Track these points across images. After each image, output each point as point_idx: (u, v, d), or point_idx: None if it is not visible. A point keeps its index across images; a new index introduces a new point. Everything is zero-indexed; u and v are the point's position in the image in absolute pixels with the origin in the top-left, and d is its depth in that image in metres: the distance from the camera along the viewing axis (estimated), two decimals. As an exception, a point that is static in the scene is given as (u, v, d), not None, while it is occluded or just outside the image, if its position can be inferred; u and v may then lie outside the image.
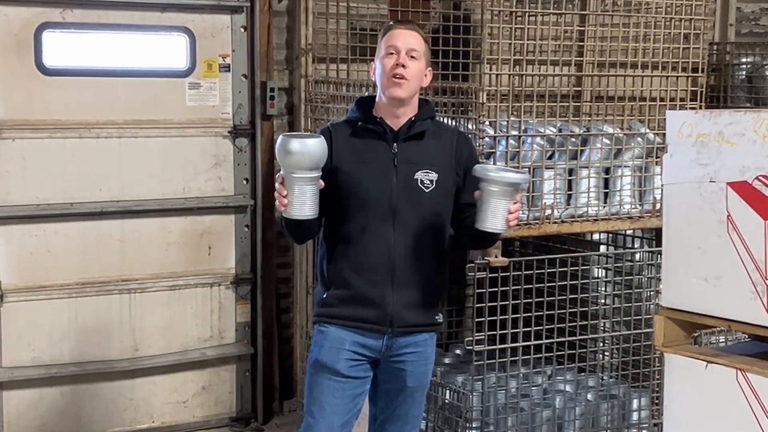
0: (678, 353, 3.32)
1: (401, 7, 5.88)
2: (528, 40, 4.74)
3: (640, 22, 5.13)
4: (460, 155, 3.80)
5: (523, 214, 4.71)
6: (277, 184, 3.54)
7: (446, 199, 3.77)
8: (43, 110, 5.36)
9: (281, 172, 3.52)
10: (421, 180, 3.71)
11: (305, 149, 3.47)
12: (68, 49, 5.42)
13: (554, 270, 4.78)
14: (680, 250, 3.29)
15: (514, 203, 3.55)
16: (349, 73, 5.85)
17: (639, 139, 5.02)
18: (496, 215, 3.51)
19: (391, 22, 3.93)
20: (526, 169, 3.55)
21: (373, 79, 3.80)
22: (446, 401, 4.97)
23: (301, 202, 3.50)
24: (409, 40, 3.71)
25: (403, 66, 3.67)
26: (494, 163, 4.63)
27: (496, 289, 4.62)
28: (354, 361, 3.75)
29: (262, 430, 5.94)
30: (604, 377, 5.28)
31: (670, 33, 5.12)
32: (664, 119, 3.43)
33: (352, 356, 3.74)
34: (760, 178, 3.03)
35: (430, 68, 3.83)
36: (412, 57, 3.69)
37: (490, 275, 4.59)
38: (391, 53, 3.69)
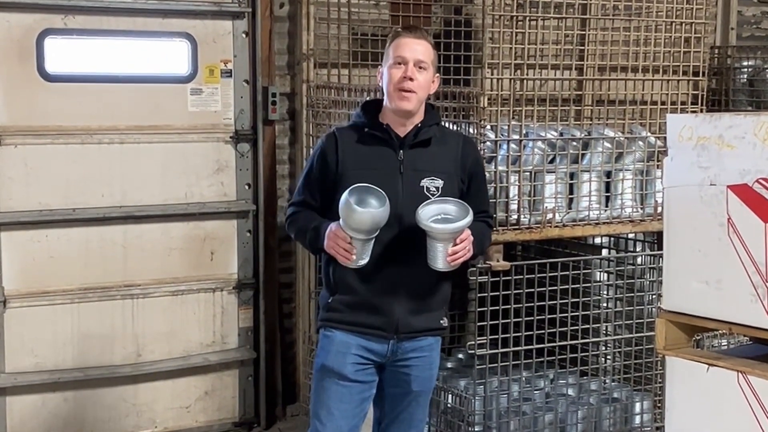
0: (679, 356, 3.32)
1: (402, 13, 5.90)
2: (529, 44, 4.75)
3: (641, 26, 5.14)
4: (465, 161, 3.82)
5: (525, 218, 4.73)
6: (341, 241, 3.59)
7: (451, 206, 3.77)
8: (46, 116, 5.36)
9: (340, 224, 3.58)
10: (426, 187, 3.72)
11: (368, 217, 3.53)
12: (70, 56, 5.43)
13: (556, 274, 4.79)
14: (681, 254, 3.30)
15: (455, 245, 3.61)
16: (350, 78, 5.86)
17: (640, 142, 5.02)
18: (437, 257, 3.63)
19: (399, 29, 3.91)
20: (466, 212, 3.61)
21: (380, 84, 3.81)
22: (449, 405, 4.98)
23: (357, 255, 3.61)
24: (417, 48, 3.71)
25: (411, 79, 3.67)
26: (495, 166, 4.64)
27: (498, 293, 4.63)
28: (360, 365, 3.76)
29: (264, 435, 5.96)
30: (607, 380, 5.28)
31: (671, 37, 5.13)
32: (665, 123, 3.43)
33: (358, 360, 3.76)
34: (761, 181, 3.04)
35: (437, 75, 3.84)
36: (420, 68, 3.70)
37: (492, 279, 4.59)
38: (399, 63, 3.70)
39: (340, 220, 3.58)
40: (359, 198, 3.55)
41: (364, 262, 3.63)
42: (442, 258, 3.62)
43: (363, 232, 3.56)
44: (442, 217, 3.61)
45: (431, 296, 3.78)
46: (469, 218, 3.60)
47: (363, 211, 3.52)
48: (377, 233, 3.60)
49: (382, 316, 3.73)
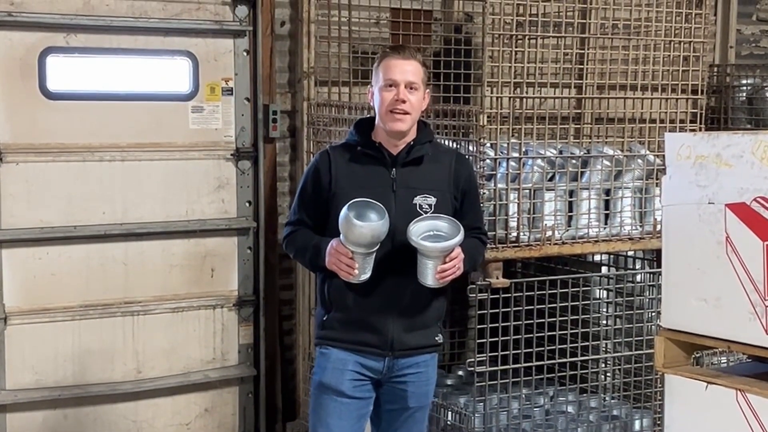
0: (678, 374, 3.33)
1: (402, 31, 5.92)
2: (528, 62, 4.77)
3: (640, 44, 5.15)
4: (458, 179, 3.84)
5: (524, 235, 4.74)
6: (343, 257, 3.60)
7: (444, 223, 3.78)
8: (47, 134, 5.38)
9: (341, 239, 3.60)
10: (419, 205, 3.74)
11: (367, 231, 3.56)
12: (72, 74, 5.45)
13: (555, 291, 4.79)
14: (680, 272, 3.31)
15: (444, 263, 3.63)
16: (351, 96, 5.87)
17: (639, 160, 5.03)
18: (426, 273, 3.66)
19: (388, 49, 3.93)
20: (458, 230, 3.63)
21: (371, 103, 3.83)
22: (448, 422, 4.98)
23: (359, 270, 3.63)
24: (407, 69, 3.72)
25: (403, 101, 3.69)
26: (495, 184, 4.65)
27: (497, 310, 4.63)
28: (357, 381, 3.77)
29: (264, 452, 5.95)
30: (606, 398, 5.28)
31: (670, 55, 5.14)
32: (664, 141, 3.45)
33: (355, 376, 3.77)
34: (758, 199, 3.05)
35: (428, 90, 3.85)
36: (412, 88, 3.71)
37: (491, 296, 4.60)
38: (390, 86, 3.71)
39: (341, 235, 3.60)
40: (358, 212, 3.58)
41: (366, 276, 3.64)
42: (431, 274, 3.65)
43: (364, 246, 3.58)
44: (434, 234, 3.64)
45: (425, 313, 3.79)
46: (460, 237, 3.61)
47: (362, 225, 3.54)
48: (378, 247, 3.62)
49: (376, 334, 3.75)
